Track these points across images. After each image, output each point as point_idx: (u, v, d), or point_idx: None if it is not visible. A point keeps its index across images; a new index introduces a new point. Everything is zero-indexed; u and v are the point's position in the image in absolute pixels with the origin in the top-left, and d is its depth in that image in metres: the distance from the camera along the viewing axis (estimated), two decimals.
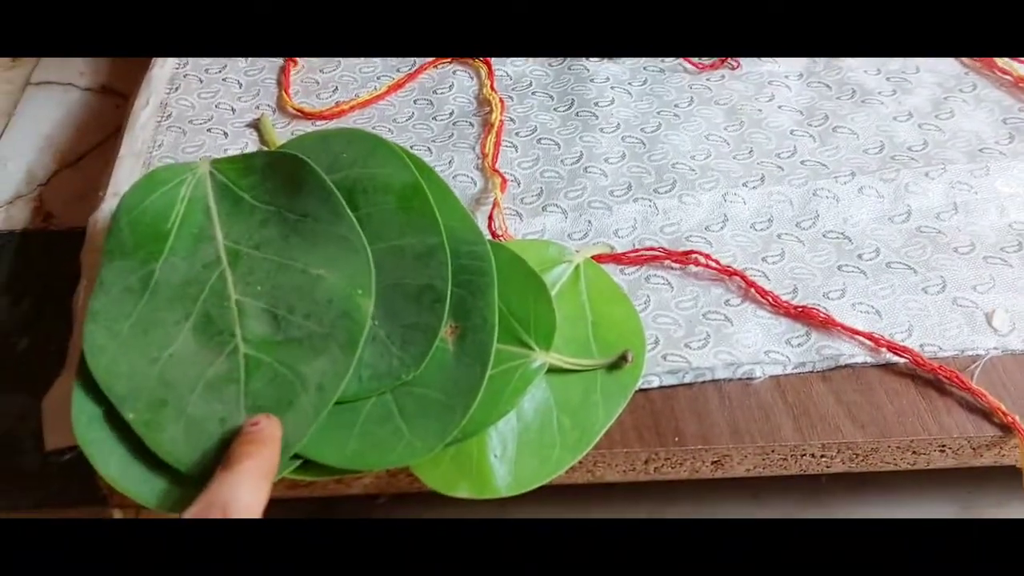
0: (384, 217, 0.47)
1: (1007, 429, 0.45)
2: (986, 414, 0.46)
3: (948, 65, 0.64)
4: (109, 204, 0.54)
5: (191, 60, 0.64)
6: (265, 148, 0.58)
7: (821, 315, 0.48)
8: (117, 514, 0.47)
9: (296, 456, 0.42)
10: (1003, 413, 0.45)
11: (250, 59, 0.64)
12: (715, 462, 0.45)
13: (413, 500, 0.53)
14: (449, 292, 0.45)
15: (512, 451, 0.44)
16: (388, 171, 0.48)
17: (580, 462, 0.45)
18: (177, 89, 0.62)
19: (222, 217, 0.47)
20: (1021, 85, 0.61)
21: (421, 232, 0.46)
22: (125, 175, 0.55)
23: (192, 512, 0.37)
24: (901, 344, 0.47)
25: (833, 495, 0.53)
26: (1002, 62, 0.62)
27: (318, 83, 0.63)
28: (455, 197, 0.48)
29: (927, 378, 0.47)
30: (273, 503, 0.51)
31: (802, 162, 0.57)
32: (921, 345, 0.48)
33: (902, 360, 0.47)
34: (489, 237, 0.52)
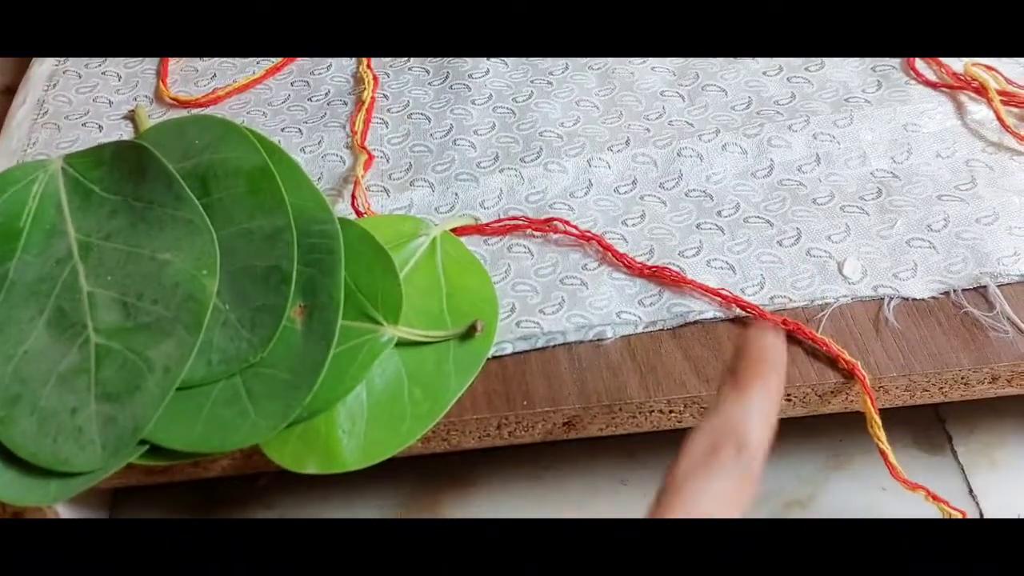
0: (235, 201, 0.47)
1: (849, 375, 0.46)
2: (831, 361, 0.46)
3: None
4: None
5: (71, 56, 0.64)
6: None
7: (673, 273, 0.49)
8: None
9: (143, 442, 0.43)
10: (845, 360, 0.46)
11: None
12: (566, 423, 0.46)
13: (294, 481, 0.54)
14: (295, 272, 0.45)
15: (362, 425, 0.45)
16: (238, 155, 0.48)
17: (434, 431, 0.45)
18: (55, 86, 0.62)
19: (73, 211, 0.48)
20: None
21: (269, 214, 0.47)
22: None
23: (701, 438, 0.35)
24: (747, 300, 0.48)
25: None
26: None
27: (197, 71, 0.63)
28: (306, 177, 0.48)
29: None
30: (148, 492, 0.53)
31: (670, 122, 0.57)
32: (772, 297, 0.48)
33: (750, 314, 0.48)
34: (353, 215, 0.53)
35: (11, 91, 0.80)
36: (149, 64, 0.64)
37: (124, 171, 0.48)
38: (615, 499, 0.52)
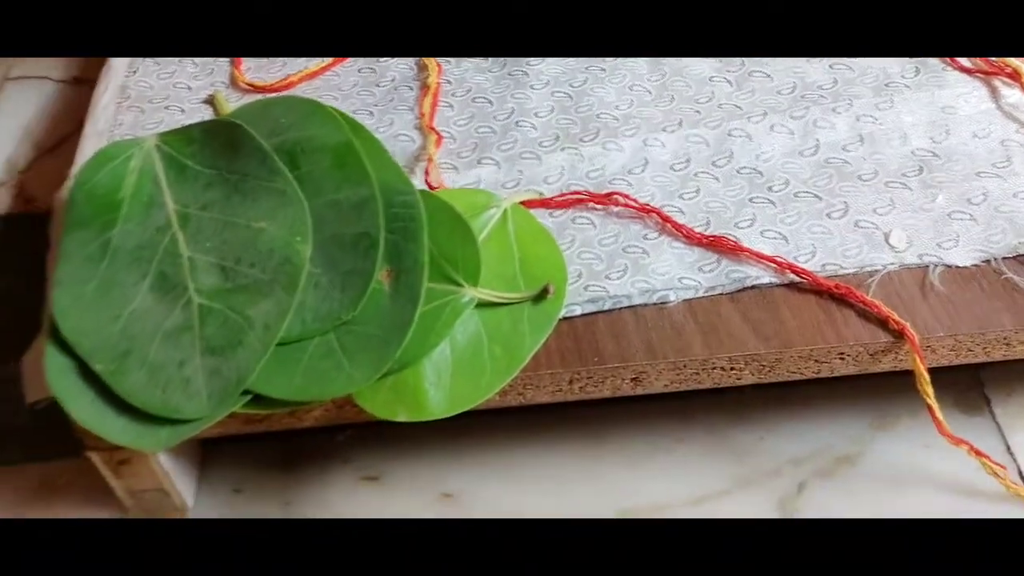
0: (322, 174, 0.51)
1: (899, 335, 0.49)
2: (881, 323, 0.49)
3: None
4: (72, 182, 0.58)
5: None
6: None
7: (730, 243, 0.52)
8: (92, 456, 0.51)
9: (247, 392, 0.46)
10: (895, 321, 0.49)
11: None
12: (634, 379, 0.49)
13: (371, 437, 0.57)
14: (382, 238, 0.49)
15: (446, 378, 0.48)
16: (324, 132, 0.52)
17: (511, 385, 0.49)
18: (136, 72, 0.66)
19: (170, 184, 0.51)
20: None
21: (355, 186, 0.50)
22: (89, 154, 0.59)
23: None
24: (801, 266, 0.51)
25: (758, 409, 0.57)
26: None
27: (268, 59, 0.67)
28: (387, 152, 0.52)
29: (827, 295, 0.51)
30: (239, 443, 0.56)
31: (719, 106, 0.60)
32: (823, 265, 0.52)
33: (803, 280, 0.51)
34: (426, 189, 0.56)
35: (79, 81, 0.85)
36: None
37: (217, 147, 0.52)
38: (672, 456, 0.56)
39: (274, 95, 0.62)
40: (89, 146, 0.60)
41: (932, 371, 0.49)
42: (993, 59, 0.61)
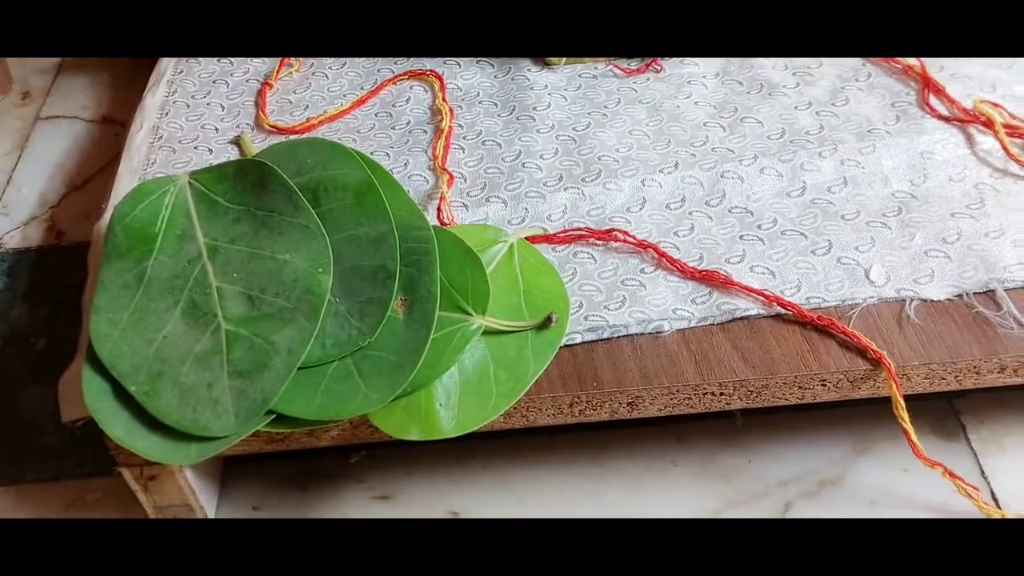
0: (343, 211, 0.55)
1: (877, 364, 0.52)
2: (861, 352, 0.53)
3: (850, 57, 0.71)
4: (110, 215, 0.62)
5: (179, 88, 0.73)
6: None
7: (721, 277, 0.56)
8: (124, 472, 0.55)
9: (270, 412, 0.50)
10: (873, 351, 0.53)
11: (231, 85, 0.73)
12: (630, 403, 0.53)
13: (382, 458, 0.61)
14: (398, 270, 0.53)
15: (456, 400, 0.52)
16: (345, 172, 0.56)
17: (515, 408, 0.52)
18: (167, 114, 0.70)
19: (201, 219, 0.56)
20: (909, 73, 0.69)
21: (374, 222, 0.54)
22: (123, 190, 0.64)
23: None
24: (787, 299, 0.55)
25: (748, 435, 0.61)
26: None
27: (291, 103, 0.71)
28: (404, 191, 0.56)
29: (811, 326, 0.54)
30: (257, 462, 0.60)
31: (712, 149, 0.65)
32: (807, 298, 0.56)
33: (789, 312, 0.55)
34: (439, 225, 0.60)
35: (107, 120, 0.89)
36: (248, 97, 0.72)
37: (247, 184, 0.56)
38: (666, 478, 0.59)
39: (298, 137, 0.66)
40: (124, 183, 0.65)
41: (910, 400, 0.53)
42: (969, 108, 0.65)
